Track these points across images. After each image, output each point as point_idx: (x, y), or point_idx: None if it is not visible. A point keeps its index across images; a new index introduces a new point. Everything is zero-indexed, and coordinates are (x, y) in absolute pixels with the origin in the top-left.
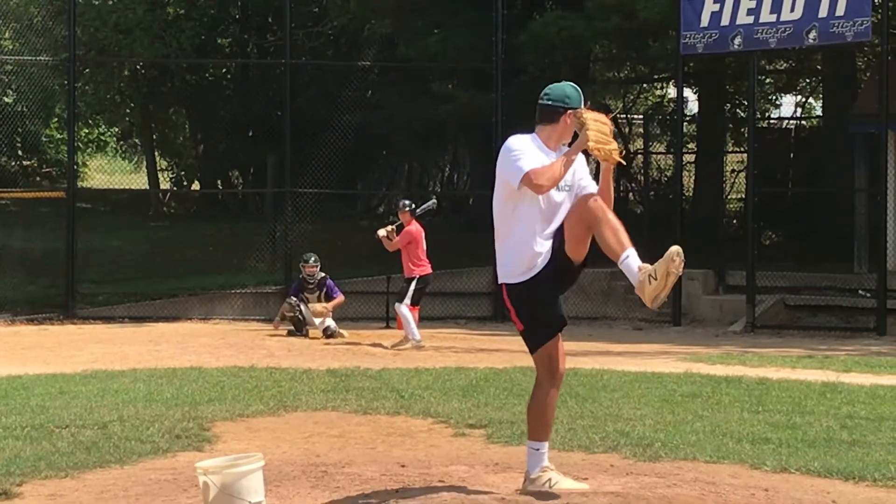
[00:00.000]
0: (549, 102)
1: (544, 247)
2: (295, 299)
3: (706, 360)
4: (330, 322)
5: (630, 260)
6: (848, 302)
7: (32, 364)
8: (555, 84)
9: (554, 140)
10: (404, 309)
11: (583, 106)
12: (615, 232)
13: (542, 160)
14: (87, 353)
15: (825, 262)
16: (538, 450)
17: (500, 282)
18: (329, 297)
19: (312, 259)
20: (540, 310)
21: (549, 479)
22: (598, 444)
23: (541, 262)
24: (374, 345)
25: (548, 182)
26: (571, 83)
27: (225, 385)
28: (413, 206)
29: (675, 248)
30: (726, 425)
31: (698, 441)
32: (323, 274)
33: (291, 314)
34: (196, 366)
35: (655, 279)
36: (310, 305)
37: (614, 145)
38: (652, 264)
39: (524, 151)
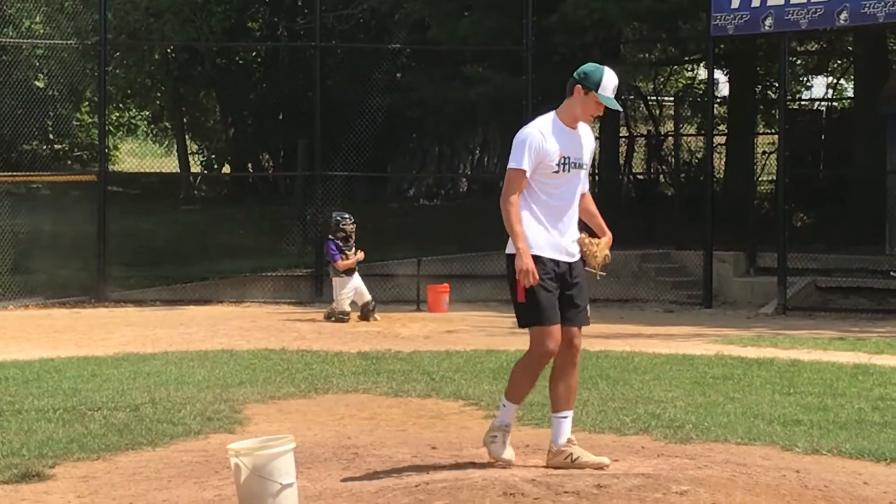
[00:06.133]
0: (573, 76)
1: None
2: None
3: (737, 342)
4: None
5: (567, 421)
6: (879, 284)
7: (64, 347)
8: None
9: (567, 113)
10: None
11: (603, 85)
12: (570, 389)
13: (549, 149)
14: (119, 335)
15: (857, 244)
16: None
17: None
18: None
19: (349, 217)
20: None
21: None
22: (630, 426)
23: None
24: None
25: (506, 204)
26: (605, 68)
27: (256, 367)
28: None
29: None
30: (758, 407)
31: (729, 423)
32: None
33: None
34: (227, 348)
35: (572, 462)
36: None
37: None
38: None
39: (529, 147)
